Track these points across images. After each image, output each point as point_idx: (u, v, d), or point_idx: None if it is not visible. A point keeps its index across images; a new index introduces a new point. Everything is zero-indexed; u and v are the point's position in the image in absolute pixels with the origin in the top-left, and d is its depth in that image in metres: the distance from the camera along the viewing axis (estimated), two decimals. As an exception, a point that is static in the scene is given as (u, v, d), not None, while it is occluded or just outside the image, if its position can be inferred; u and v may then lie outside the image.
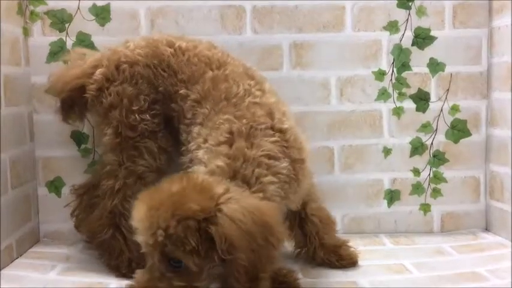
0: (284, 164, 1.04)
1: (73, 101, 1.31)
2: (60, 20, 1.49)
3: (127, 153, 1.23)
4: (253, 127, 1.06)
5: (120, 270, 1.24)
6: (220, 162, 1.01)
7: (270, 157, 1.03)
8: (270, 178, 1.02)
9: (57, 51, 1.49)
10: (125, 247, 1.25)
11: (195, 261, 0.90)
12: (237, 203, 0.91)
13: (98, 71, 1.24)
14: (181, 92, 1.19)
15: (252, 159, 1.01)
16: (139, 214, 0.93)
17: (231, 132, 1.05)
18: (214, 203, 0.90)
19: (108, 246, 1.26)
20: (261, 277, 0.92)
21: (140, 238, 0.93)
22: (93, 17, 1.49)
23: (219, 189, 0.93)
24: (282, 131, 1.08)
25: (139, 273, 0.96)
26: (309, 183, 1.20)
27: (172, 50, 1.23)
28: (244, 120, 1.07)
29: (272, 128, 1.08)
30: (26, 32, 1.48)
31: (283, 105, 1.17)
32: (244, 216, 0.90)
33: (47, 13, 1.49)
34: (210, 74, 1.18)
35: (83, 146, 1.52)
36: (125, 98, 1.21)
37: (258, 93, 1.14)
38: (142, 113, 1.21)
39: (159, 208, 0.90)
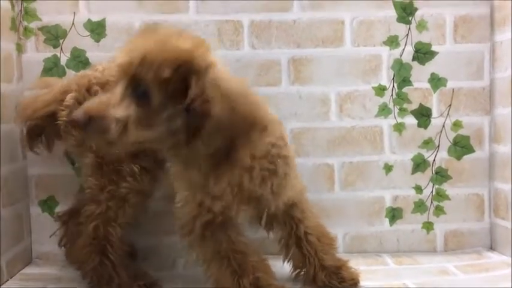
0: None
1: (41, 130, 1.27)
2: (54, 35, 1.47)
3: (108, 176, 1.20)
4: None
5: None
6: None
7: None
8: None
9: (51, 68, 1.46)
10: (114, 273, 1.21)
11: (161, 95, 0.89)
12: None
13: (69, 96, 1.20)
14: None
15: None
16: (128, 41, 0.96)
17: None
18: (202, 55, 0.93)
19: (97, 273, 1.21)
20: (233, 147, 0.90)
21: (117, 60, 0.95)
22: (88, 33, 1.47)
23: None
24: None
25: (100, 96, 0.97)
26: (295, 181, 1.15)
27: None
28: None
29: None
30: (20, 48, 1.45)
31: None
32: (230, 83, 0.92)
33: (41, 29, 1.46)
34: None
35: (76, 164, 1.48)
36: None
37: None
38: None
39: (145, 38, 0.93)
